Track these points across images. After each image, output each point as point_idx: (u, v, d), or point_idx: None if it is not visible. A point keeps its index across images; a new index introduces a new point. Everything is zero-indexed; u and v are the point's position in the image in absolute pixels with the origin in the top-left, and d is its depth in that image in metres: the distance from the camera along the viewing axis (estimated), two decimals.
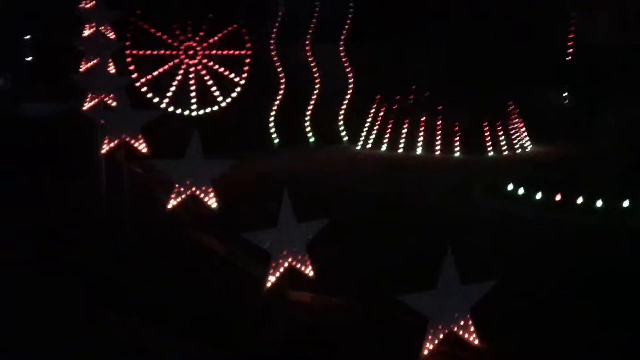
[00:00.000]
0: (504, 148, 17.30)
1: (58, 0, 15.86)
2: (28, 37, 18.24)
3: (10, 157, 12.96)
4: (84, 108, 10.21)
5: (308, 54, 18.21)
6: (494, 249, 8.79)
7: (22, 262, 7.89)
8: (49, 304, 6.88)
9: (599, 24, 18.65)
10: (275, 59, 17.87)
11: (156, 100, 16.35)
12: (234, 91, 17.19)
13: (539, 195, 11.06)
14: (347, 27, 18.34)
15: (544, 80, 18.37)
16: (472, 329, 6.15)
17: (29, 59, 18.35)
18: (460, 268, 6.15)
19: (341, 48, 18.46)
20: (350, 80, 18.56)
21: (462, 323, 6.11)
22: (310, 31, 18.10)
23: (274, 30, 17.87)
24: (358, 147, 17.84)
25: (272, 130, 17.73)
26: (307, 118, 18.23)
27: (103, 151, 8.95)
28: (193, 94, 16.83)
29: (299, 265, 6.93)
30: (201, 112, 16.98)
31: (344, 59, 18.51)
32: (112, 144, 8.89)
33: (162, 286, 7.10)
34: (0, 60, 18.09)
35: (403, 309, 6.13)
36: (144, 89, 16.25)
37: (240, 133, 16.30)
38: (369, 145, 17.76)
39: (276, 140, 17.70)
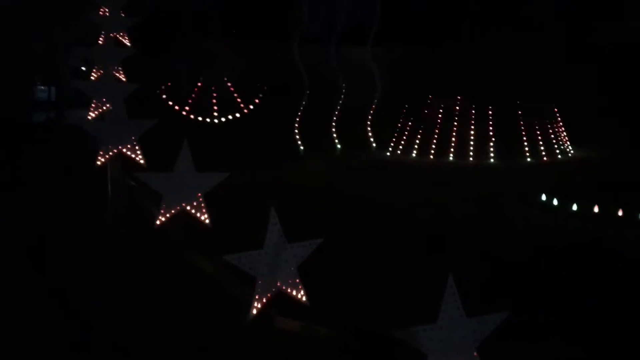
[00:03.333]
0: (543, 153, 16.21)
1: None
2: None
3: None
4: (88, 118, 9.84)
5: (334, 57, 17.59)
6: (519, 267, 7.88)
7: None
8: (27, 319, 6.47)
9: None
10: (300, 63, 17.33)
11: (177, 107, 16.06)
12: (257, 97, 16.76)
13: (575, 207, 10.05)
14: (374, 30, 17.63)
15: (587, 80, 17.19)
16: None
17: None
18: (469, 295, 5.36)
19: (368, 52, 17.76)
20: (378, 85, 17.83)
21: None
22: (337, 34, 17.48)
23: (299, 33, 17.34)
24: (388, 154, 17.06)
25: (297, 136, 17.16)
26: (334, 124, 17.59)
27: (98, 163, 8.51)
28: (215, 101, 16.48)
29: (289, 290, 6.26)
30: (223, 119, 16.60)
31: (371, 63, 17.80)
32: (106, 156, 8.45)
33: (138, 311, 6.56)
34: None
35: (404, 344, 5.38)
36: (164, 97, 15.97)
37: (263, 141, 15.81)
38: (398, 152, 16.96)
39: (301, 147, 17.12)
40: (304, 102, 17.18)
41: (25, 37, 16.78)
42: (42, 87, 18.24)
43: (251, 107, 16.68)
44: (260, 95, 16.68)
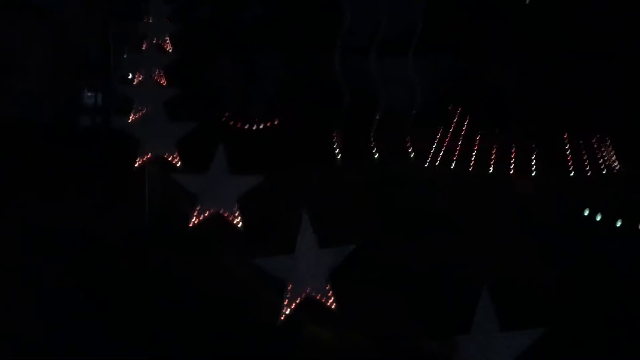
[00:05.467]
0: (587, 167, 15.71)
1: None
2: None
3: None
4: (129, 121, 10.05)
5: (374, 66, 17.48)
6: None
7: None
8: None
9: None
10: (340, 70, 17.29)
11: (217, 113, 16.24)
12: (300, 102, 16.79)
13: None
14: (416, 40, 17.44)
15: None
16: None
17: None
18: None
19: (411, 62, 17.56)
20: (418, 96, 17.61)
21: None
22: (378, 44, 17.38)
23: (341, 40, 17.30)
24: (426, 165, 16.83)
25: (335, 144, 17.11)
26: (372, 133, 17.47)
27: (136, 165, 8.67)
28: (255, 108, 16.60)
29: (319, 297, 6.20)
30: (262, 126, 16.69)
31: (412, 73, 17.61)
32: (144, 158, 8.59)
33: (166, 315, 6.61)
34: None
35: (437, 355, 5.26)
36: (206, 102, 16.16)
37: (301, 146, 15.84)
38: (437, 162, 16.71)
39: (339, 155, 17.05)
40: (344, 111, 17.15)
41: (76, 42, 17.27)
42: (89, 93, 18.71)
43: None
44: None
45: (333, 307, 6.21)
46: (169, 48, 13.91)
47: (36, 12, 16.67)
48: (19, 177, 11.75)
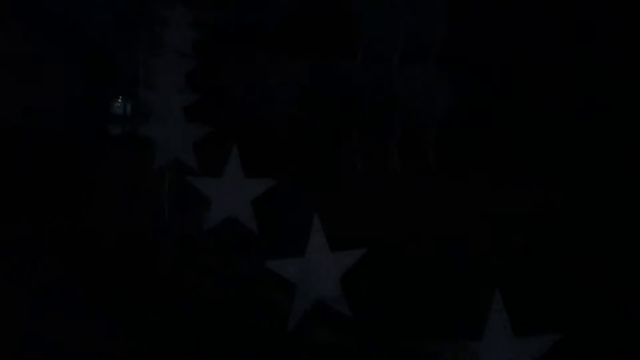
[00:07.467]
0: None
1: None
2: None
3: None
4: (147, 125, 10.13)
5: (395, 75, 17.43)
6: None
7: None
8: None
9: None
10: (360, 79, 17.28)
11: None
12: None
13: None
14: (436, 50, 17.35)
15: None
16: None
17: None
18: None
19: (430, 71, 17.46)
20: (439, 105, 17.48)
21: None
22: (398, 52, 17.33)
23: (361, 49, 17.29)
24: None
25: (353, 150, 17.08)
26: (392, 141, 17.39)
27: (155, 167, 8.74)
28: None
29: (331, 302, 6.13)
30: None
31: (432, 83, 17.49)
32: (162, 160, 8.66)
33: (176, 319, 6.61)
34: None
35: None
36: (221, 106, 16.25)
37: (317, 151, 15.88)
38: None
39: (356, 162, 17.01)
40: (363, 119, 17.13)
41: (106, 51, 17.56)
42: (119, 103, 18.98)
43: None
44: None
45: (345, 311, 6.14)
46: (190, 54, 14.08)
47: (67, 24, 16.99)
48: (48, 185, 11.86)
